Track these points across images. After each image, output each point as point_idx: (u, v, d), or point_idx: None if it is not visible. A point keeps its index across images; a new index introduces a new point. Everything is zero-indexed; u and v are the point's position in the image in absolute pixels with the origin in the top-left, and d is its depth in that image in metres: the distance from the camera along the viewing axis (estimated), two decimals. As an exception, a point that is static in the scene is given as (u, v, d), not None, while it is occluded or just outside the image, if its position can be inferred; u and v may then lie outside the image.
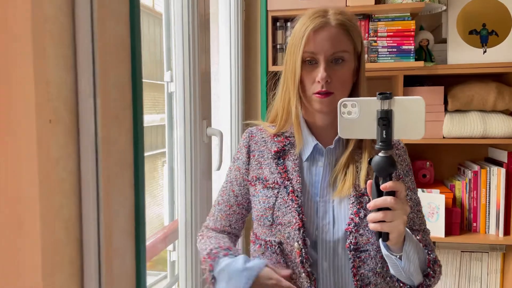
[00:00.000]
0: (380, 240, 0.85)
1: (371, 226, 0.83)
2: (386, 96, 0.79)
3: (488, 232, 1.99)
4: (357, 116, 0.81)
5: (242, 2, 1.90)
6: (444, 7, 1.93)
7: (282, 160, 1.00)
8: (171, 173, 1.68)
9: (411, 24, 1.84)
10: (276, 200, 0.97)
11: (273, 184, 0.98)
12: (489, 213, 1.99)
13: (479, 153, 2.21)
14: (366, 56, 1.85)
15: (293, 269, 0.96)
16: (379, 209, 0.82)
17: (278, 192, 0.97)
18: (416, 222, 1.02)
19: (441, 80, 2.05)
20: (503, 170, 1.95)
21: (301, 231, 0.93)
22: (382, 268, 0.96)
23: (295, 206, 0.94)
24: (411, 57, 1.84)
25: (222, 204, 1.09)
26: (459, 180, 2.07)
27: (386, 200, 0.80)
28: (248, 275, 0.94)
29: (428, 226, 1.07)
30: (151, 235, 1.56)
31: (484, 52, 1.92)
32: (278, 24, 2.00)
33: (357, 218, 0.94)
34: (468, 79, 2.00)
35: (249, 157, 1.04)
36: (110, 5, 0.60)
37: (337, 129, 0.85)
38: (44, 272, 0.49)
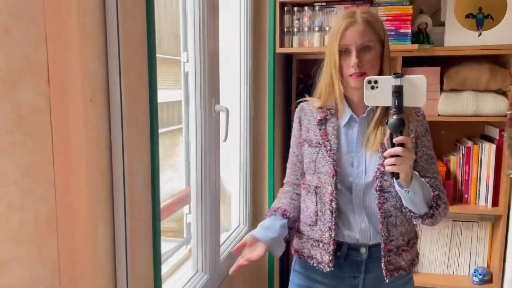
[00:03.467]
0: (394, 178, 1.14)
1: (387, 168, 1.12)
2: (398, 75, 1.09)
3: (478, 203, 2.15)
4: (378, 89, 1.11)
5: (252, -12, 2.06)
6: (443, -8, 2.04)
7: (324, 126, 1.31)
8: (186, 145, 1.89)
9: (409, 9, 1.97)
10: (317, 155, 1.29)
11: (316, 144, 1.30)
12: (479, 186, 2.15)
13: (475, 131, 2.34)
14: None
15: (321, 207, 1.29)
16: (392, 156, 1.10)
17: (319, 150, 1.29)
18: (429, 171, 1.30)
19: (439, 61, 2.17)
20: (493, 146, 2.09)
21: (334, 178, 1.26)
22: (401, 205, 1.25)
23: (331, 160, 1.27)
24: (408, 40, 1.98)
25: (290, 163, 1.43)
26: (454, 155, 2.22)
27: (397, 149, 1.09)
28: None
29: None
30: (168, 198, 1.79)
31: (479, 35, 2.03)
32: (285, 8, 2.15)
33: (383, 167, 1.21)
34: (464, 60, 2.12)
35: (300, 125, 1.37)
36: (131, 10, 0.79)
37: None
38: (89, 202, 0.71)
